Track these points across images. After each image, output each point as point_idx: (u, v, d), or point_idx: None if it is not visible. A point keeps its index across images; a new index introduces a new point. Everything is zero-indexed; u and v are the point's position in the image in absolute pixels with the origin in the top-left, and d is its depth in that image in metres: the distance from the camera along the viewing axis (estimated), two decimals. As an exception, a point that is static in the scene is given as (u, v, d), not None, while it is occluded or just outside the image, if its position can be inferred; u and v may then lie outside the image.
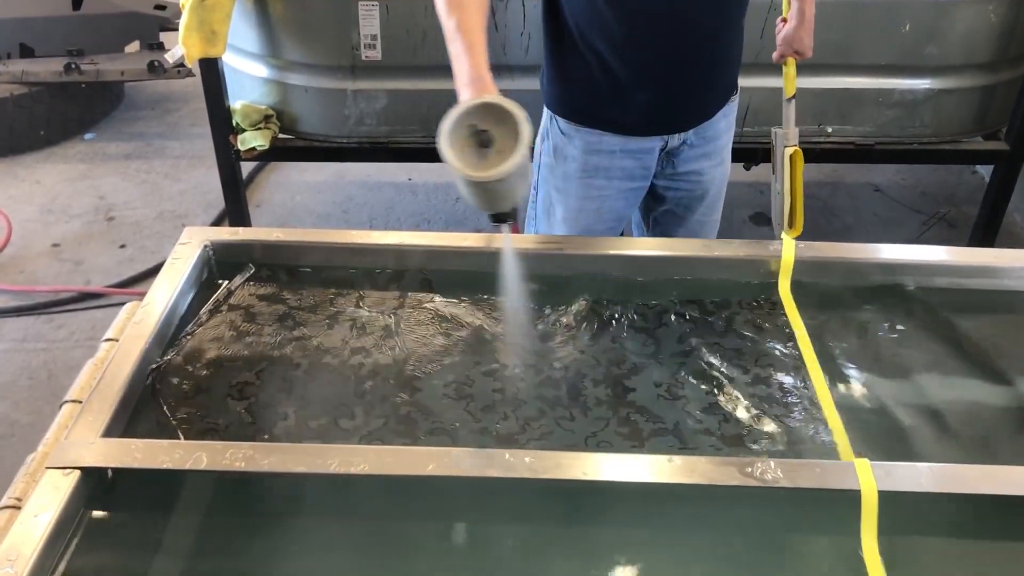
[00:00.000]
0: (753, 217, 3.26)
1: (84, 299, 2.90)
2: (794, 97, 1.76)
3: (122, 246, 3.20)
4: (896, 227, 3.28)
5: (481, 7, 1.31)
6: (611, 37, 1.53)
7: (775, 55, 1.78)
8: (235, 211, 2.73)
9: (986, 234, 2.81)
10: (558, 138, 1.68)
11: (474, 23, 1.27)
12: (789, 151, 1.74)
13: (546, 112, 1.72)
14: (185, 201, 3.46)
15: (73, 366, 2.63)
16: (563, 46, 1.59)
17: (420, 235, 1.47)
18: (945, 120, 2.62)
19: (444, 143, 1.12)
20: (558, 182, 1.71)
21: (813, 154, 2.65)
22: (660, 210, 1.81)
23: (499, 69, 2.36)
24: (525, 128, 1.11)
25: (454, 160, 1.12)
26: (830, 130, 2.61)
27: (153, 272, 2.99)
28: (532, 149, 1.09)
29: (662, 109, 1.62)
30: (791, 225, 1.76)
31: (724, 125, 1.73)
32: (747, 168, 2.79)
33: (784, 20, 1.75)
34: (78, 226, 3.33)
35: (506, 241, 1.31)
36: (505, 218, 1.23)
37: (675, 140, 1.67)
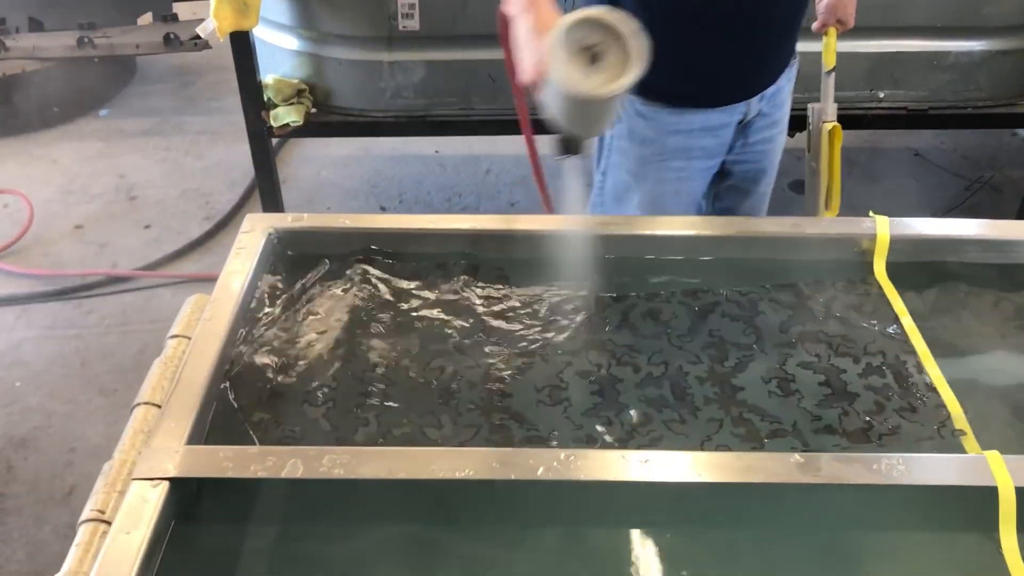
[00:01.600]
0: (792, 185, 3.17)
1: (113, 282, 2.83)
2: (834, 70, 1.68)
3: (147, 226, 3.12)
4: (939, 192, 3.21)
5: None
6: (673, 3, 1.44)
7: (816, 24, 1.69)
8: (267, 190, 2.64)
9: (1038, 200, 2.74)
10: (634, 120, 1.59)
11: None
12: (828, 127, 1.67)
13: None
14: (208, 179, 3.38)
15: (107, 353, 2.57)
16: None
17: (512, 219, 1.36)
18: (1001, 83, 2.53)
19: (556, 56, 1.03)
20: (633, 166, 1.63)
21: (864, 120, 2.59)
22: (724, 185, 1.73)
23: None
24: (638, 41, 1.03)
25: (564, 76, 1.03)
26: (882, 95, 2.53)
27: (182, 253, 2.92)
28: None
29: (733, 75, 1.54)
30: (827, 205, 1.69)
31: (788, 90, 1.65)
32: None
33: None
34: (100, 206, 3.25)
35: (571, 173, 1.22)
36: (576, 149, 1.15)
37: (753, 111, 1.59)
